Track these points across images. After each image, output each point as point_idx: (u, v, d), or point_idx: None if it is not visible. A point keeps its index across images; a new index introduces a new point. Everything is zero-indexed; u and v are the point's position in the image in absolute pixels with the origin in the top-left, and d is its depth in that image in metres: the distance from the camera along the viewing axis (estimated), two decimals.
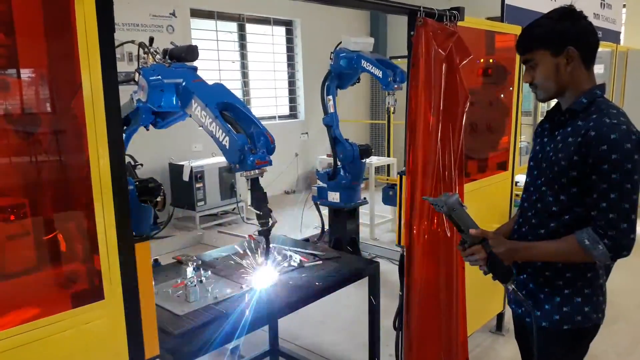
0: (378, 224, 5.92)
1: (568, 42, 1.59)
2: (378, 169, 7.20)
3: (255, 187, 2.25)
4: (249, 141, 2.15)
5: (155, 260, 3.59)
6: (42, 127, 1.66)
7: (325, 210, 4.94)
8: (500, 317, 3.65)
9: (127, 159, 4.20)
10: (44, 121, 1.67)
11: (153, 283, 1.56)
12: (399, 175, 2.47)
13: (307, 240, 4.69)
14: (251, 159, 2.15)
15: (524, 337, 1.87)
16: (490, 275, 1.67)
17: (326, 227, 4.94)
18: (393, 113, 4.51)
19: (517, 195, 3.70)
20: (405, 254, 2.43)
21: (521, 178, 4.28)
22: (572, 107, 1.63)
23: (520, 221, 1.78)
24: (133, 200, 3.18)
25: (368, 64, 4.22)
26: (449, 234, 2.28)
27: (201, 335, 1.83)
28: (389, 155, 7.35)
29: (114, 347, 1.45)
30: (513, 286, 1.68)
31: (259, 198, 2.25)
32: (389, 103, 4.43)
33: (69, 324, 1.36)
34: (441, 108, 2.17)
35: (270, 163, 2.24)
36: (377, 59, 4.30)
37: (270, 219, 2.24)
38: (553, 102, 1.77)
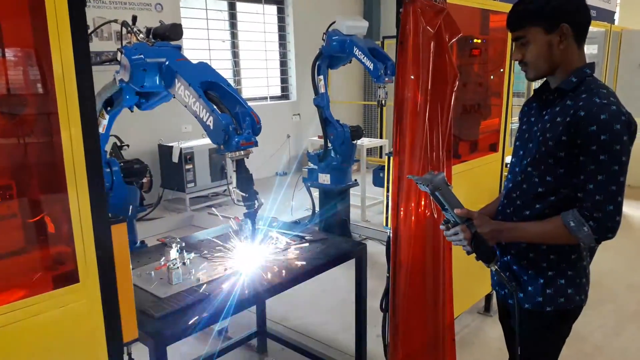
0: (369, 206, 5.91)
1: (562, 19, 1.55)
2: (370, 151, 7.19)
3: (240, 168, 2.21)
4: (233, 121, 2.11)
5: (142, 242, 3.57)
6: (22, 108, 1.62)
7: (316, 192, 4.91)
8: (488, 298, 3.66)
9: (113, 140, 4.15)
10: (24, 102, 1.63)
11: (132, 266, 1.53)
12: (387, 157, 2.44)
13: (297, 222, 4.68)
14: (236, 139, 2.11)
15: (508, 319, 1.87)
16: (474, 255, 1.65)
17: (317, 208, 4.92)
18: (384, 106, 4.47)
19: (506, 176, 3.69)
20: (392, 235, 2.41)
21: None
22: (561, 87, 1.60)
23: (505, 202, 1.76)
24: (118, 182, 3.15)
25: (360, 53, 4.17)
26: (435, 216, 2.25)
27: (183, 318, 1.80)
28: (381, 137, 7.33)
29: (91, 331, 1.43)
30: (496, 267, 1.67)
31: (245, 180, 2.21)
32: (379, 96, 4.40)
33: (43, 307, 1.33)
34: (429, 87, 2.13)
35: (256, 144, 2.20)
36: (370, 47, 4.23)
37: (256, 201, 2.21)
38: (541, 81, 1.73)
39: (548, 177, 1.59)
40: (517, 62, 1.68)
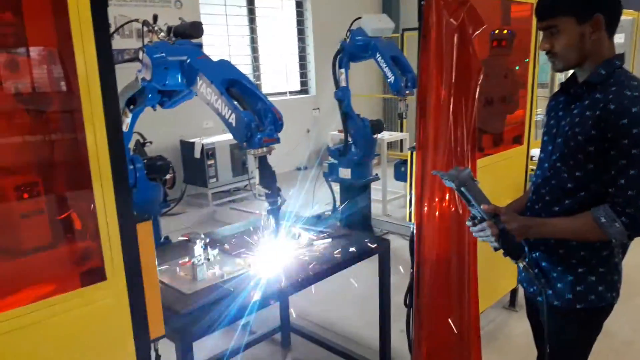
0: (390, 200, 5.87)
1: (596, 8, 1.50)
2: (390, 145, 7.12)
3: (263, 165, 2.21)
4: (256, 118, 2.11)
5: (166, 238, 3.60)
6: (48, 106, 1.64)
7: (337, 187, 4.90)
8: (513, 293, 3.61)
9: (136, 137, 4.20)
10: (50, 100, 1.65)
11: (157, 262, 1.54)
12: (409, 151, 2.41)
13: (318, 217, 4.67)
14: (258, 136, 2.11)
15: (535, 316, 1.83)
16: (501, 251, 1.62)
17: (338, 203, 4.91)
18: (405, 118, 4.43)
19: (532, 169, 3.62)
20: (415, 231, 2.39)
21: (537, 152, 4.20)
22: (589, 80, 1.55)
23: (534, 198, 1.72)
24: (141, 179, 3.18)
25: (382, 60, 4.13)
26: (460, 211, 2.22)
27: (209, 314, 1.81)
28: (401, 131, 7.26)
29: (118, 328, 1.45)
30: (524, 263, 1.63)
31: (268, 176, 2.21)
32: (400, 108, 4.36)
33: (71, 305, 1.35)
34: (453, 80, 2.09)
35: (278, 141, 2.20)
36: (393, 55, 4.17)
37: (279, 197, 2.21)
38: (568, 73, 1.69)
39: (577, 173, 1.55)
40: (544, 53, 1.64)
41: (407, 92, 4.14)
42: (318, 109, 8.19)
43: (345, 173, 4.63)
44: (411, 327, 2.61)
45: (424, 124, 2.17)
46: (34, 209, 1.53)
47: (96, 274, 1.40)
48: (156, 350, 1.63)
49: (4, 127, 1.54)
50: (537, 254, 1.70)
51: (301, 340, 3.17)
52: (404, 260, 3.59)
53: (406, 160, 5.21)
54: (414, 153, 2.36)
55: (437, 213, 2.23)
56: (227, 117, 2.14)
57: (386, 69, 4.13)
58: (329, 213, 5.07)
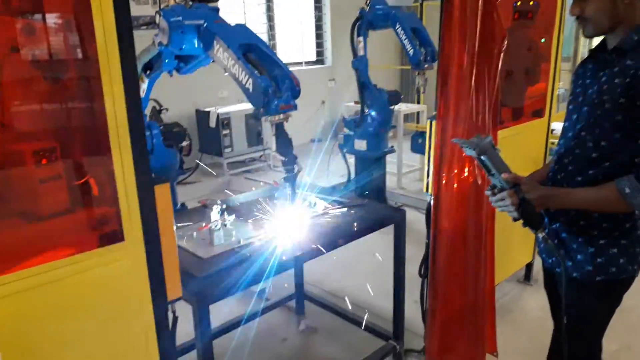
0: (405, 173, 5.84)
1: None
2: (407, 117, 7.04)
3: (280, 132, 2.19)
4: (273, 84, 2.08)
5: (182, 205, 3.63)
6: (68, 72, 1.63)
7: (351, 159, 4.86)
8: (529, 267, 3.59)
9: (152, 104, 4.19)
10: (67, 67, 1.64)
11: (175, 226, 1.55)
12: (428, 121, 2.37)
13: (333, 188, 4.66)
14: (275, 103, 2.09)
15: (554, 288, 1.82)
16: (520, 223, 1.59)
17: (352, 175, 4.89)
18: (423, 93, 4.34)
19: (552, 143, 3.56)
20: (433, 201, 2.37)
21: (557, 126, 4.10)
22: (620, 46, 1.50)
23: (556, 168, 1.68)
24: (158, 145, 3.18)
25: (402, 32, 4.03)
26: (479, 182, 2.19)
27: (225, 278, 1.83)
28: (418, 103, 7.16)
29: (136, 289, 1.46)
30: (544, 234, 1.60)
31: (284, 144, 2.20)
32: (418, 83, 4.27)
33: (89, 265, 1.36)
34: (476, 47, 2.04)
35: (295, 107, 2.17)
36: (413, 27, 4.07)
37: (295, 165, 2.20)
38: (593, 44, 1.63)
39: (603, 142, 1.51)
40: (573, 19, 1.58)
41: (426, 66, 4.06)
42: (334, 80, 8.10)
43: (360, 145, 4.59)
44: (425, 298, 2.62)
45: (444, 92, 2.13)
46: (52, 175, 1.54)
47: (114, 236, 1.41)
48: (173, 312, 1.65)
49: (22, 94, 1.53)
50: (557, 224, 1.67)
51: (315, 307, 3.20)
52: (417, 232, 3.58)
53: (423, 132, 5.14)
54: (433, 123, 2.32)
55: (455, 184, 2.20)
56: (243, 82, 2.11)
57: (405, 41, 4.04)
58: (343, 185, 5.05)
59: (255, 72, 2.08)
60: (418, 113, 7.02)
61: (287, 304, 3.26)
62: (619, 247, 1.57)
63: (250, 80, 2.06)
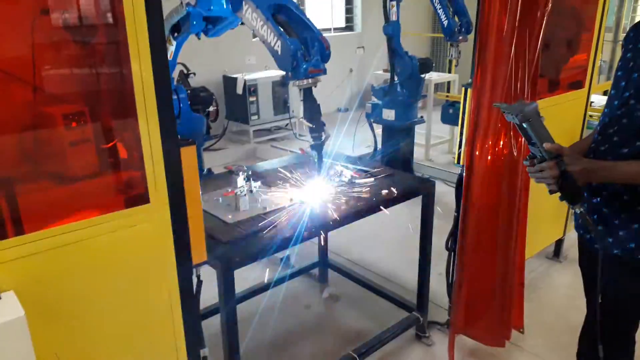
0: (434, 145, 5.72)
1: None
2: (437, 87, 6.87)
3: (308, 97, 2.14)
4: (302, 47, 2.02)
5: (209, 170, 3.63)
6: (97, 36, 1.60)
7: (379, 129, 4.77)
8: (558, 243, 3.50)
9: (180, 68, 4.16)
10: (99, 30, 1.62)
11: (201, 190, 1.52)
12: (463, 89, 2.28)
13: (359, 158, 4.59)
14: (304, 66, 2.03)
15: (590, 265, 1.73)
16: (557, 196, 1.52)
17: (379, 145, 4.80)
18: (456, 66, 4.21)
19: (590, 116, 3.40)
20: (465, 172, 2.29)
21: (596, 99, 3.92)
22: None
23: (599, 139, 1.59)
24: (185, 110, 3.16)
25: (437, 1, 3.89)
26: (515, 154, 2.10)
27: (250, 244, 1.81)
28: (449, 72, 6.97)
29: (161, 251, 1.45)
30: (582, 209, 1.52)
31: (312, 110, 2.14)
32: (451, 55, 4.13)
33: (115, 225, 1.35)
34: (518, 11, 1.92)
35: (324, 72, 2.11)
36: None
37: (323, 132, 2.15)
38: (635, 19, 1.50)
39: None
40: None
41: (460, 37, 3.92)
42: (362, 47, 7.93)
43: (389, 114, 4.49)
44: (452, 271, 2.57)
45: (482, 58, 2.02)
46: (81, 138, 1.53)
47: (140, 198, 1.39)
48: (198, 276, 1.64)
49: (52, 57, 1.50)
50: (598, 199, 1.58)
51: (338, 276, 3.19)
52: (444, 205, 3.53)
53: (455, 102, 5.02)
54: (469, 90, 2.23)
55: (489, 155, 2.12)
56: (272, 44, 2.05)
57: (440, 10, 3.90)
58: (370, 155, 4.98)
59: (284, 33, 2.01)
60: (448, 83, 6.85)
61: (311, 272, 3.26)
62: None
63: (279, 43, 2.00)
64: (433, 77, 5.62)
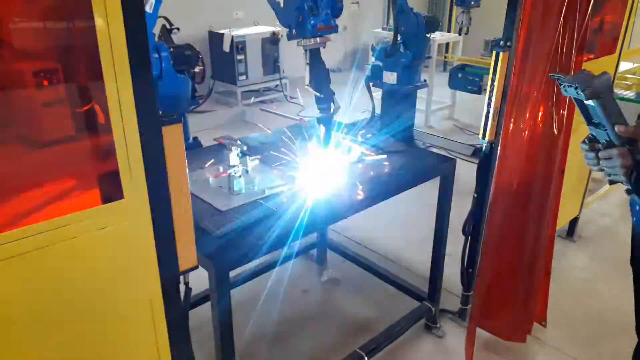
0: (434, 111, 5.39)
1: None
2: (439, 48, 6.49)
3: (315, 60, 1.81)
4: None
5: (195, 139, 3.29)
6: None
7: (377, 93, 4.41)
8: (572, 222, 3.26)
9: (162, 22, 3.74)
10: None
11: (188, 171, 1.20)
12: (494, 52, 1.95)
13: (354, 124, 4.26)
14: (312, 22, 1.70)
15: None
16: (608, 181, 1.23)
17: (377, 110, 4.46)
18: (466, 34, 3.83)
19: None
20: (490, 150, 2.00)
21: (626, 66, 3.63)
22: None
23: None
24: (168, 70, 2.79)
25: None
26: (556, 132, 1.81)
27: (248, 237, 1.50)
28: (449, 31, 6.57)
29: (139, 258, 1.14)
30: None
31: (320, 75, 1.82)
32: (461, 22, 3.74)
33: (80, 228, 1.04)
34: None
35: (335, 29, 1.77)
36: None
37: (332, 103, 1.83)
38: None
39: None
40: None
41: (472, 2, 3.55)
42: (357, 2, 7.45)
43: (390, 77, 4.14)
44: (467, 257, 2.32)
45: (526, 14, 1.69)
46: (53, 98, 1.38)
47: (110, 192, 1.07)
48: (186, 284, 1.34)
49: (20, 9, 1.30)
50: None
51: (338, 257, 2.92)
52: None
53: (465, 66, 4.67)
54: (501, 54, 1.90)
55: (526, 130, 1.82)
56: None
57: None
58: (366, 121, 4.65)
59: None
60: (447, 44, 6.46)
61: (309, 252, 2.98)
62: None
63: None
64: (437, 37, 5.24)
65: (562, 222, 3.14)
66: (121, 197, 1.07)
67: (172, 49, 2.83)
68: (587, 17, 1.73)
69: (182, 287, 1.29)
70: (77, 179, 1.20)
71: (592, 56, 2.76)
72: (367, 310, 2.58)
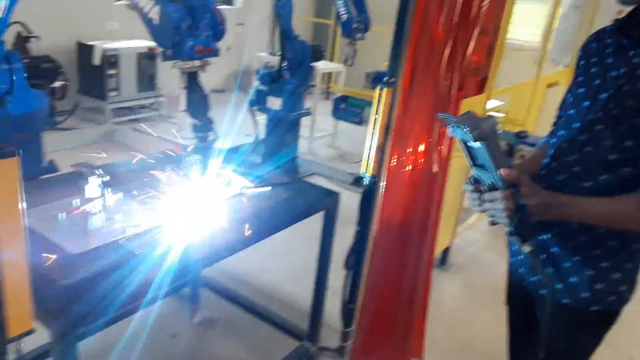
0: (317, 138, 5.42)
1: None
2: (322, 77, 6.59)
3: (193, 85, 1.65)
4: (188, 17, 1.52)
5: (50, 163, 2.89)
6: None
7: (260, 117, 4.30)
8: (445, 251, 3.40)
9: (18, 29, 3.30)
10: None
11: (34, 203, 0.96)
12: (378, 88, 1.94)
13: (236, 149, 4.10)
14: (190, 43, 1.54)
15: (529, 311, 1.49)
16: (490, 222, 1.24)
17: (261, 135, 4.34)
18: (351, 65, 3.87)
19: None
20: (373, 184, 1.98)
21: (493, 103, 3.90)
22: None
23: (554, 166, 1.34)
24: (20, 84, 2.42)
25: None
26: (436, 168, 1.83)
27: (102, 287, 1.27)
28: (331, 61, 6.71)
29: None
30: (532, 248, 1.25)
31: (198, 101, 1.66)
32: (347, 54, 3.79)
33: None
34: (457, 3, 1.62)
35: (216, 53, 1.64)
36: None
37: (210, 132, 1.68)
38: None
39: (628, 142, 1.18)
40: None
41: (358, 35, 3.60)
42: (242, 24, 7.35)
43: (275, 103, 4.04)
44: (348, 292, 2.27)
45: (414, 51, 1.68)
46: None
47: None
48: (19, 352, 1.08)
49: None
50: (548, 236, 1.34)
51: (213, 295, 2.71)
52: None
53: (346, 97, 4.74)
54: (384, 90, 1.89)
55: (409, 165, 1.81)
56: (145, 9, 1.52)
57: (340, 3, 3.53)
58: (250, 146, 4.51)
59: None
60: (329, 74, 6.58)
61: (180, 292, 2.73)
62: (623, 271, 1.28)
63: (157, 8, 1.48)
64: (321, 66, 5.29)
65: (436, 252, 3.25)
66: None
67: (27, 60, 2.47)
68: (465, 57, 1.77)
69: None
70: None
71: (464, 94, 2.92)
72: (244, 354, 2.41)
